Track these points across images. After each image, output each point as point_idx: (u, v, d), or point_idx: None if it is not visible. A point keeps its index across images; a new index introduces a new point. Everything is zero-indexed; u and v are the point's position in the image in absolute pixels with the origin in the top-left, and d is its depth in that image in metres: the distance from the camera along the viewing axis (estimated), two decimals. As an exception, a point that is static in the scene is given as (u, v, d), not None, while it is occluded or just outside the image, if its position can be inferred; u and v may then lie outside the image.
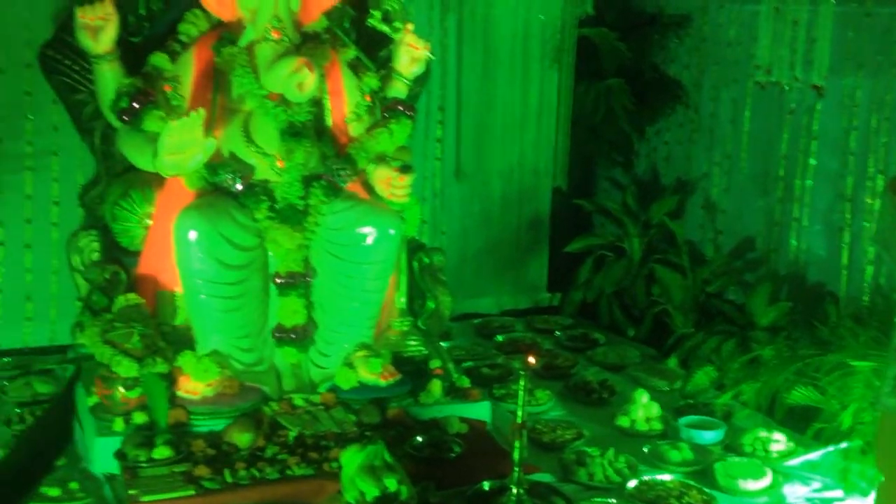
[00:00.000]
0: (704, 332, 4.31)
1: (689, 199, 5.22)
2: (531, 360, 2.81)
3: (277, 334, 3.30)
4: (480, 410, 3.44)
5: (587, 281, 4.99)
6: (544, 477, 3.13)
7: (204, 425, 3.10)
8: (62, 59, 3.50)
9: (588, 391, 3.97)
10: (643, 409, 3.68)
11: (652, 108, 5.33)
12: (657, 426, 3.63)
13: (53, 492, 2.85)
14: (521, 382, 2.79)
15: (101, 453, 2.98)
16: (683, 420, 3.63)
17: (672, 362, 4.29)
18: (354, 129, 3.43)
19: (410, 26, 3.54)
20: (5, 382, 3.72)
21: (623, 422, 3.66)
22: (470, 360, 4.18)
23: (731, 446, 3.49)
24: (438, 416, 3.31)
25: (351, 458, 2.78)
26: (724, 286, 4.77)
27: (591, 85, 5.18)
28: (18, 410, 3.50)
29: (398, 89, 3.55)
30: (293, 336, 3.29)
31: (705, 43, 5.09)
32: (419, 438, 3.16)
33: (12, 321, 4.07)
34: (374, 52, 3.70)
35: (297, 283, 3.27)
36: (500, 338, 4.58)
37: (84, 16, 3.20)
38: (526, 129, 5.02)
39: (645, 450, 3.40)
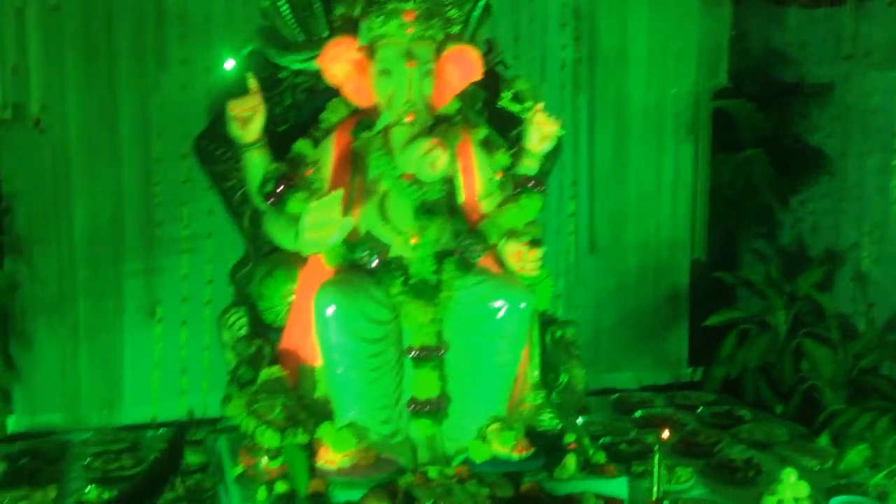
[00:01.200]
0: (857, 409, 4.11)
1: (838, 270, 5.04)
2: (665, 433, 2.76)
3: (412, 406, 3.35)
4: (617, 487, 3.36)
5: (730, 356, 4.86)
6: (683, 557, 3.04)
7: (341, 495, 3.16)
8: (215, 148, 3.74)
9: (732, 469, 3.84)
10: (791, 489, 3.52)
11: (794, 178, 5.22)
12: (806, 507, 3.47)
13: (200, 557, 2.98)
14: (656, 457, 2.75)
15: (245, 522, 3.09)
16: (835, 501, 3.47)
17: (823, 440, 4.11)
18: (486, 206, 3.51)
19: (541, 105, 3.61)
20: (159, 454, 3.92)
21: (770, 502, 3.51)
22: (607, 435, 4.12)
23: (886, 529, 3.30)
24: (573, 491, 3.27)
25: (483, 532, 2.78)
26: (878, 361, 4.55)
27: (729, 156, 5.12)
28: (171, 478, 3.68)
29: (529, 166, 3.61)
30: (427, 408, 3.34)
31: (849, 111, 4.97)
32: (553, 514, 3.12)
33: (168, 394, 4.32)
34: (506, 131, 3.79)
35: (430, 356, 3.33)
36: (638, 413, 4.49)
37: (234, 108, 3.42)
38: (661, 202, 4.99)
39: (792, 531, 3.26)
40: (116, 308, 4.27)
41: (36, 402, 4.23)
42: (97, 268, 4.21)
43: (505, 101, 3.60)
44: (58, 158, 4.07)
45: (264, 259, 3.70)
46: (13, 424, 4.12)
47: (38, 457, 3.90)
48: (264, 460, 3.19)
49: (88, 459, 3.87)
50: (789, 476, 3.56)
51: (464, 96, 3.65)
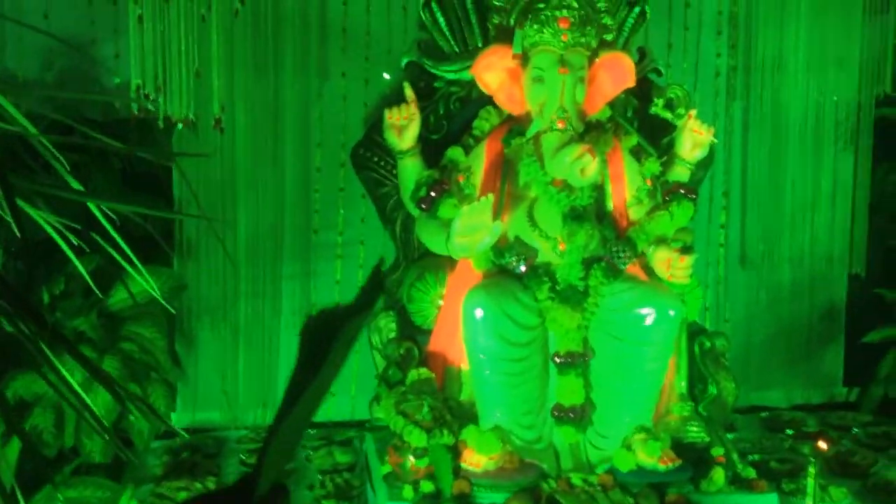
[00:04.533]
0: None
1: None
2: (822, 444, 2.68)
3: (556, 413, 3.37)
4: (767, 503, 3.29)
5: (889, 375, 4.64)
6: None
7: (485, 497, 3.21)
8: (371, 156, 3.88)
9: (890, 492, 3.67)
10: (956, 517, 3.34)
11: (962, 191, 4.94)
12: (973, 535, 3.28)
13: (349, 550, 3.08)
14: (811, 470, 2.68)
15: (392, 518, 3.17)
16: None
17: None
18: (635, 213, 3.50)
19: (693, 112, 3.59)
20: (310, 452, 4.08)
21: (932, 528, 3.34)
22: (757, 452, 4.01)
23: None
24: (721, 505, 3.21)
25: (628, 540, 2.76)
26: None
27: (892, 167, 4.90)
28: (320, 477, 3.82)
29: (680, 173, 3.58)
30: (571, 415, 3.34)
31: None
32: (701, 527, 3.07)
33: (319, 395, 4.47)
34: (657, 138, 3.77)
35: (575, 362, 3.34)
36: (789, 432, 4.35)
37: (391, 117, 3.56)
38: (818, 214, 4.80)
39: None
40: (274, 310, 4.44)
41: (197, 400, 4.44)
42: (258, 270, 4.39)
43: (657, 107, 3.59)
44: (225, 164, 4.26)
45: (414, 264, 3.80)
46: (176, 420, 4.32)
47: (197, 451, 4.11)
48: (411, 459, 3.27)
49: (243, 456, 4.06)
50: (955, 503, 3.38)
51: (615, 103, 3.66)
